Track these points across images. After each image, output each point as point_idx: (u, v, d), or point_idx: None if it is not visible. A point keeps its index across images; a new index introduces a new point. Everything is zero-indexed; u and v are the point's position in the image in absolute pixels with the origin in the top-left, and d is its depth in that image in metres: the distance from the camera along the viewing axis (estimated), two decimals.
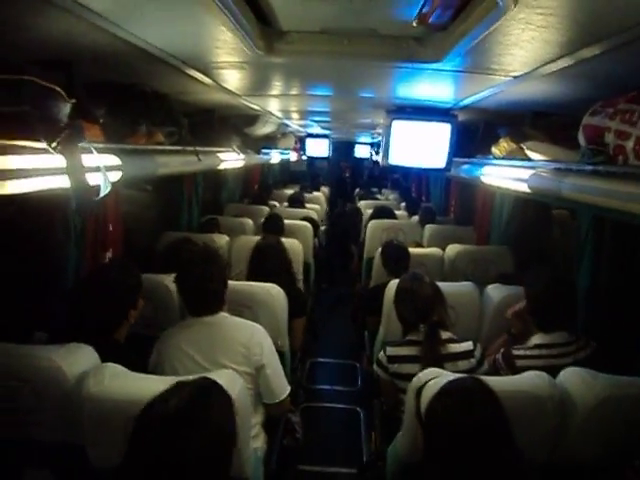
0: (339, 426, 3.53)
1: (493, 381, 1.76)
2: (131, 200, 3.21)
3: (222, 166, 2.66)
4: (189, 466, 1.13)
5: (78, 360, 1.63)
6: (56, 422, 1.61)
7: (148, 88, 2.06)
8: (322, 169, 9.95)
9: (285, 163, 6.36)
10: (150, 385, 1.56)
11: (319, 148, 6.54)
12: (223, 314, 1.98)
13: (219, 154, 2.62)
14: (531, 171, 1.78)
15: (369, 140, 8.94)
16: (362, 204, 6.49)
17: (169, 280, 2.25)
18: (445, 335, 2.04)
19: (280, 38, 1.45)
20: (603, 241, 2.49)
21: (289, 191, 7.47)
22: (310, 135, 6.42)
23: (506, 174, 2.03)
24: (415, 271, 2.36)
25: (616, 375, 1.76)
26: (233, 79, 2.13)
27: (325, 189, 8.58)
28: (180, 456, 1.12)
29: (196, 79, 2.02)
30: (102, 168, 1.27)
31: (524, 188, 1.82)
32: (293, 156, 5.59)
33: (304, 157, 6.74)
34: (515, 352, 1.97)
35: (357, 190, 8.98)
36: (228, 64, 1.77)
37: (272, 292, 2.50)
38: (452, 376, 1.44)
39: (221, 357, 1.88)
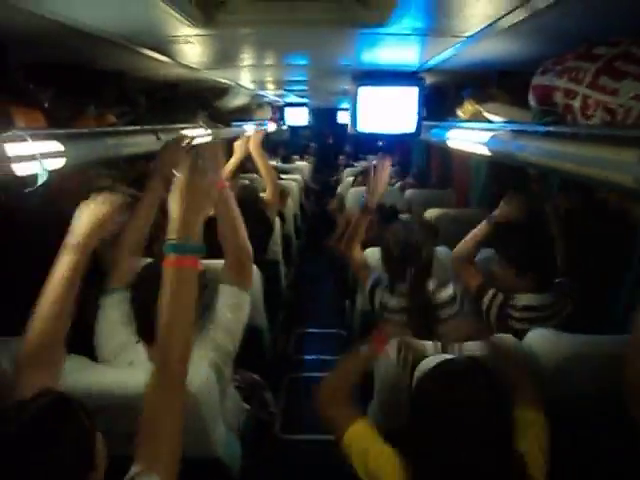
0: None
1: (459, 346, 1.79)
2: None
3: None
4: None
5: None
6: None
7: (98, 67, 2.00)
8: (305, 137, 9.84)
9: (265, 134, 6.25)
10: (110, 376, 1.57)
11: (299, 117, 6.43)
12: None
13: (183, 131, 2.56)
14: (491, 133, 1.74)
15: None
16: (347, 172, 6.45)
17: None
18: (432, 284, 2.08)
19: (218, 9, 1.39)
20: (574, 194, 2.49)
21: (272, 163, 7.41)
22: (289, 104, 6.30)
23: (468, 137, 2.00)
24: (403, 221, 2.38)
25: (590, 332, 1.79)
26: (186, 54, 2.06)
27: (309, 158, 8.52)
28: None
29: (147, 56, 1.95)
30: (38, 156, 1.23)
31: (485, 151, 1.79)
32: (271, 126, 5.48)
33: (284, 127, 6.62)
34: (509, 311, 2.01)
35: (341, 157, 8.91)
36: (174, 39, 1.70)
37: None
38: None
39: None
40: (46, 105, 1.61)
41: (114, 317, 1.74)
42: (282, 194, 4.14)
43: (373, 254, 2.68)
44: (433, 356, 1.41)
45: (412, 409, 1.30)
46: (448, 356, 1.39)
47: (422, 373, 1.33)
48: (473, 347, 1.69)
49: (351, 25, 1.42)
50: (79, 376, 1.53)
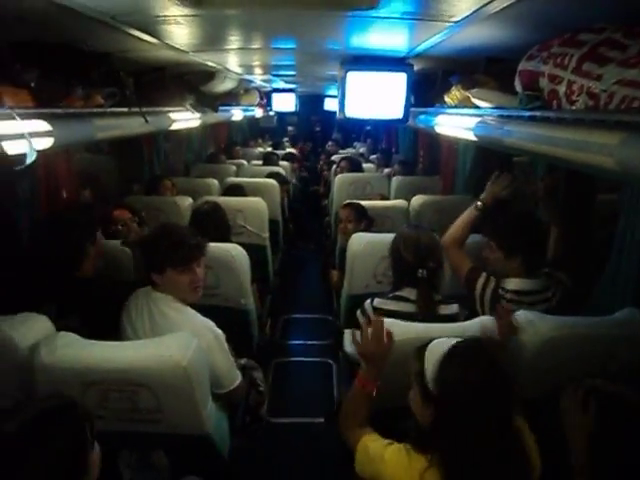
0: (311, 379, 3.62)
1: (443, 327, 1.83)
2: (87, 163, 3.14)
3: (174, 126, 2.58)
4: None
5: (30, 330, 1.62)
6: (11, 392, 1.62)
7: (86, 47, 1.97)
8: (292, 124, 9.80)
9: (252, 120, 6.22)
10: (102, 351, 1.58)
11: (286, 103, 6.40)
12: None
13: (170, 114, 2.54)
14: (478, 119, 1.77)
15: None
16: (334, 158, 6.45)
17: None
18: (436, 297, 2.06)
19: None
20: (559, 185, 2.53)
21: (259, 149, 7.38)
22: (276, 90, 6.26)
23: (456, 123, 2.01)
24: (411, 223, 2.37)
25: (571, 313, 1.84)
26: (174, 35, 2.04)
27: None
28: None
29: (135, 36, 1.93)
30: (26, 135, 1.23)
31: (472, 136, 1.82)
32: (258, 112, 5.45)
33: (271, 113, 6.59)
34: (501, 292, 2.03)
35: (329, 143, 8.89)
36: (162, 19, 1.69)
37: (233, 253, 2.50)
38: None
39: None
40: (33, 85, 1.58)
41: None
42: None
43: (360, 239, 2.70)
44: (440, 340, 1.42)
45: (444, 389, 1.31)
46: (447, 339, 1.41)
47: (441, 356, 1.34)
48: None
49: (341, 7, 1.42)
50: (71, 352, 1.55)
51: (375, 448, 1.38)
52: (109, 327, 1.86)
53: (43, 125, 1.37)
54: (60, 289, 1.95)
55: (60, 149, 1.46)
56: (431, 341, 1.43)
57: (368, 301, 2.10)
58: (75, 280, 2.02)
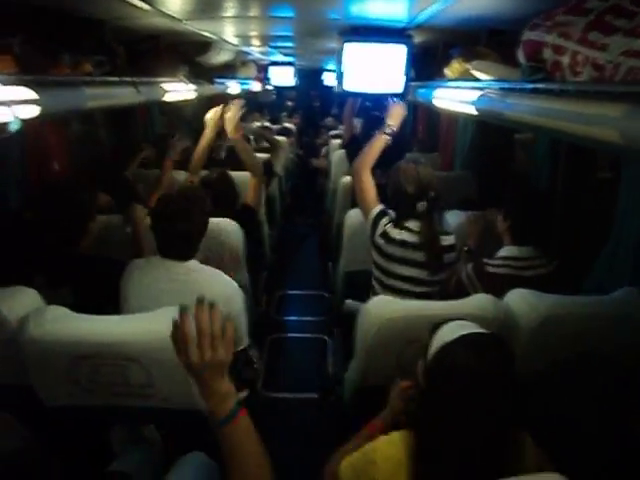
0: (306, 354, 3.63)
1: (439, 305, 1.81)
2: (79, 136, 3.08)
3: (167, 98, 2.52)
4: None
5: (19, 304, 1.61)
6: (2, 366, 1.61)
7: (74, 13, 1.91)
8: (291, 99, 9.65)
9: (250, 94, 6.10)
10: (92, 325, 1.56)
11: (284, 77, 6.28)
12: (194, 262, 1.96)
13: (163, 84, 2.48)
14: (479, 92, 1.72)
15: None
16: (333, 134, 6.36)
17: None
18: (437, 228, 2.14)
19: None
20: (560, 163, 2.49)
21: (257, 123, 7.26)
22: (274, 63, 6.14)
23: (456, 96, 1.96)
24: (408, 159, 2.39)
25: (569, 293, 1.82)
26: (167, 1, 1.98)
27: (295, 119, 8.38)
28: None
29: (127, 2, 1.86)
30: (9, 102, 1.18)
31: (472, 110, 1.77)
32: (256, 86, 5.34)
33: (269, 87, 6.47)
34: (485, 260, 2.10)
35: (328, 119, 8.77)
36: None
37: (228, 228, 2.47)
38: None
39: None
40: (17, 51, 1.53)
41: None
42: (267, 167, 3.75)
43: (356, 214, 2.67)
44: (453, 324, 1.32)
45: (433, 370, 1.26)
46: (467, 324, 1.32)
47: (445, 342, 1.26)
48: None
49: None
50: (60, 326, 1.53)
51: (358, 458, 1.25)
52: (105, 304, 1.84)
53: (28, 93, 1.32)
54: (54, 263, 1.92)
55: (48, 118, 1.41)
56: (450, 320, 1.35)
57: (384, 220, 2.12)
58: (70, 255, 1.99)
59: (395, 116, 2.32)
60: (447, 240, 2.12)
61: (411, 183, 2.07)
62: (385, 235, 2.07)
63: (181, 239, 1.91)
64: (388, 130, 2.26)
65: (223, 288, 1.97)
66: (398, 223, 2.09)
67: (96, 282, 1.94)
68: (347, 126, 3.99)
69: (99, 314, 1.62)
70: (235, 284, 2.03)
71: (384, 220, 2.11)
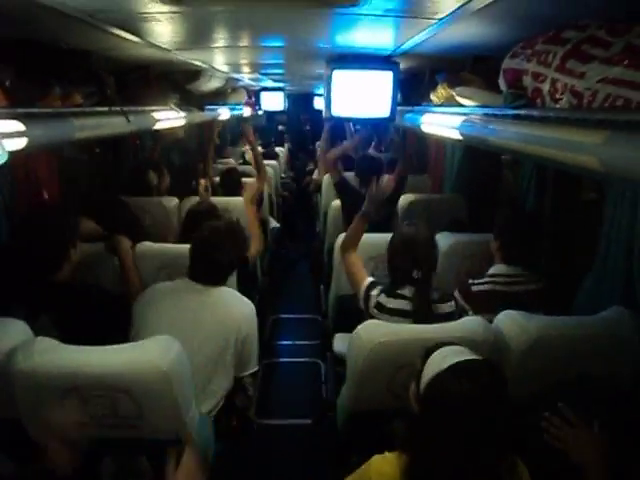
0: (300, 379, 3.60)
1: (430, 329, 1.81)
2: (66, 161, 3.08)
3: (158, 126, 2.54)
4: None
5: (7, 335, 1.59)
6: None
7: (64, 45, 1.93)
8: (282, 123, 9.75)
9: (240, 119, 6.16)
10: (81, 357, 1.55)
11: (275, 102, 6.36)
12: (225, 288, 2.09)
13: (154, 113, 2.50)
14: (463, 118, 1.75)
15: None
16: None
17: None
18: (435, 295, 2.07)
19: None
20: (547, 184, 2.53)
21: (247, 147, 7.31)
22: (265, 89, 6.22)
23: (442, 121, 2.00)
24: (409, 221, 2.40)
25: (557, 311, 1.83)
26: (156, 33, 2.00)
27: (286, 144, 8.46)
28: None
29: (115, 34, 1.89)
30: None
31: (457, 135, 1.80)
32: (247, 111, 5.40)
33: (260, 112, 6.54)
34: (470, 281, 2.16)
35: (318, 143, 8.84)
36: (142, 16, 1.65)
37: None
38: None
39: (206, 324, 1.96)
40: (7, 84, 1.54)
41: None
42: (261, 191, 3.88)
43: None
44: (445, 350, 1.34)
45: (426, 398, 1.27)
46: (459, 349, 1.33)
47: (438, 370, 1.27)
48: None
49: (324, 4, 1.40)
50: (49, 357, 1.52)
51: (354, 478, 1.29)
52: (85, 333, 1.81)
53: (16, 125, 1.33)
54: (33, 291, 1.89)
55: (36, 150, 1.42)
56: (442, 345, 1.36)
57: (375, 291, 2.10)
58: (51, 283, 1.96)
59: (375, 199, 2.30)
60: (445, 308, 2.07)
61: (407, 253, 2.06)
62: (379, 306, 2.06)
63: (220, 267, 2.07)
64: (366, 211, 2.26)
65: (244, 308, 2.08)
66: (391, 292, 2.07)
67: (76, 311, 1.91)
68: (322, 166, 4.01)
69: (79, 343, 1.60)
70: (252, 304, 2.13)
71: (375, 292, 2.09)
